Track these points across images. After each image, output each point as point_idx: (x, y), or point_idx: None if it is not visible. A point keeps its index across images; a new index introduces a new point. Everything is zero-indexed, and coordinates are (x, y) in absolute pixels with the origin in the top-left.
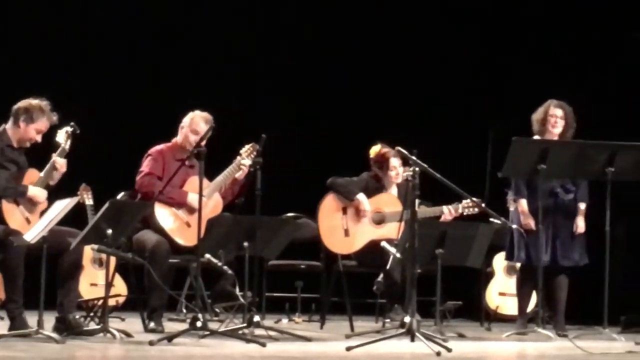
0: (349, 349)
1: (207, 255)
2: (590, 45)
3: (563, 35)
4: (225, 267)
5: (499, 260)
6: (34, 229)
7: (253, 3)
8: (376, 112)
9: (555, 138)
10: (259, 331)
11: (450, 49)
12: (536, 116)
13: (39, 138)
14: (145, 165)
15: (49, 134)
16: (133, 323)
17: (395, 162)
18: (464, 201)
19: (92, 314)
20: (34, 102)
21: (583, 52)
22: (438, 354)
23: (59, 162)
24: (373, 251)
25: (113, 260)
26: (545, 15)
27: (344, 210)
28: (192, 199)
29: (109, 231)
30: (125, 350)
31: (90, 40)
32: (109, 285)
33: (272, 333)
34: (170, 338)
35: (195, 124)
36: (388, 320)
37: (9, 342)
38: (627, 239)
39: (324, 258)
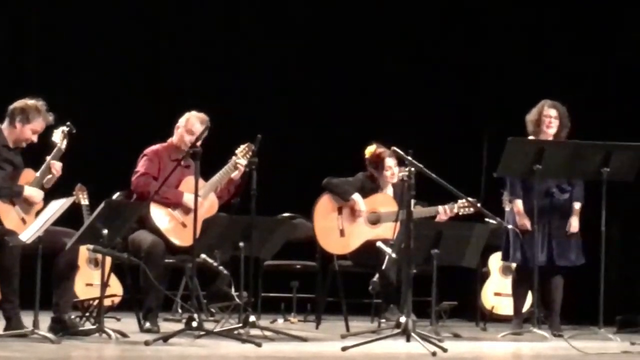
0: (344, 349)
1: (203, 256)
2: (585, 46)
3: (558, 35)
4: (220, 267)
5: (495, 261)
6: (29, 229)
7: (250, 3)
8: (372, 112)
9: (550, 138)
10: (254, 331)
11: (446, 49)
12: (530, 117)
13: (35, 138)
14: (141, 166)
15: (45, 134)
16: (129, 323)
17: (390, 162)
18: (460, 201)
19: (87, 314)
20: (30, 102)
21: (578, 52)
22: (434, 354)
23: (56, 166)
24: (369, 251)
25: (109, 260)
26: (541, 16)
27: (340, 211)
28: (188, 199)
29: (105, 231)
30: (121, 351)
31: (87, 40)
32: (104, 285)
33: (267, 333)
34: (165, 338)
35: (191, 124)
36: (384, 320)
37: (5, 342)
38: (623, 239)
39: (320, 258)
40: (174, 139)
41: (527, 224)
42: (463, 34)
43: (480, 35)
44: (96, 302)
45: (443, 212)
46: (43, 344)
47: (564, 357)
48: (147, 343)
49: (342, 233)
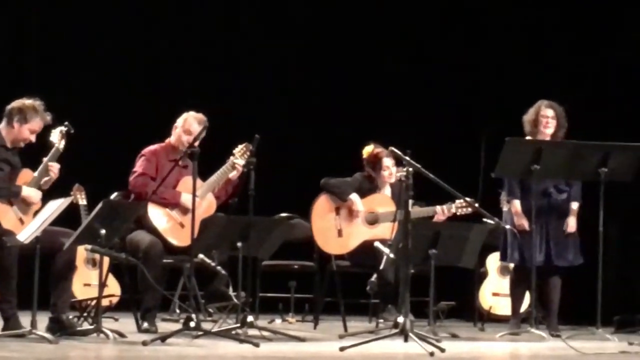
0: (342, 349)
1: (201, 256)
2: (585, 46)
3: (558, 35)
4: (218, 268)
5: (493, 261)
6: (27, 229)
7: (250, 3)
8: (371, 112)
9: (548, 138)
10: (252, 331)
11: (446, 49)
12: (527, 117)
13: (33, 138)
14: (139, 166)
15: (43, 134)
16: (126, 323)
17: (388, 162)
18: (458, 201)
19: (85, 314)
20: (28, 102)
21: (578, 52)
22: (431, 354)
23: (53, 168)
24: (366, 251)
25: (106, 260)
26: (541, 16)
27: (337, 211)
28: (186, 199)
29: (103, 231)
30: (119, 351)
31: (87, 40)
32: (102, 285)
33: (265, 333)
34: (163, 338)
35: (189, 125)
36: (381, 320)
37: (3, 342)
38: (621, 239)
39: (318, 258)
40: (171, 139)
41: (525, 224)
42: (463, 34)
43: (480, 35)
44: (94, 302)
45: (441, 212)
46: (41, 344)
47: (561, 357)
48: (144, 343)
49: (339, 233)
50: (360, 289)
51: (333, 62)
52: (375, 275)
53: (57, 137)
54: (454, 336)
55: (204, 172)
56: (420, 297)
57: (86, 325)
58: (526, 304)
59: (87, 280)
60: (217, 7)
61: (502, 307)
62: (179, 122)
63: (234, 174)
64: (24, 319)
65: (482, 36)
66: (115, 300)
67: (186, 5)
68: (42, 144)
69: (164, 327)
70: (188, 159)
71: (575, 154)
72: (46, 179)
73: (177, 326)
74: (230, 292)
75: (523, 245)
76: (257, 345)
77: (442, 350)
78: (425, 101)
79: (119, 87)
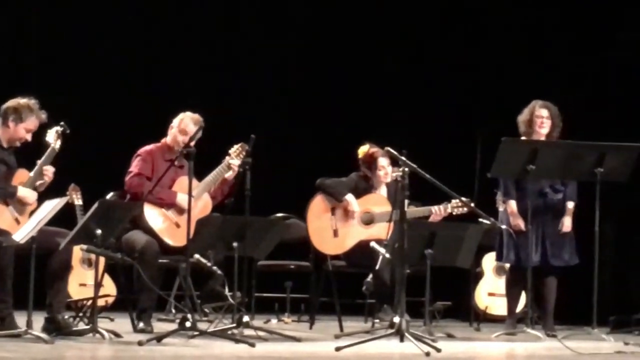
0: (338, 349)
1: (197, 256)
2: (585, 46)
3: (558, 35)
4: (214, 268)
5: (488, 261)
6: (23, 229)
7: (250, 3)
8: (366, 112)
9: (543, 138)
10: (248, 331)
11: (443, 49)
12: (522, 117)
13: (29, 137)
14: (135, 166)
15: (39, 134)
16: (122, 323)
17: (383, 161)
18: (453, 201)
19: (81, 314)
20: (22, 101)
21: (578, 52)
22: (427, 354)
23: (48, 172)
24: (362, 251)
25: (102, 260)
26: (541, 16)
27: (333, 211)
28: (182, 199)
29: (98, 231)
30: (115, 351)
31: (81, 40)
32: (98, 285)
33: (261, 333)
34: (159, 338)
35: (185, 125)
36: (377, 320)
37: None
38: (617, 239)
39: (313, 258)
40: (167, 139)
41: (521, 224)
42: (463, 34)
43: (480, 35)
44: (90, 302)
45: (437, 212)
46: (36, 344)
47: (557, 357)
48: (140, 343)
49: (335, 233)
50: (356, 289)
51: (333, 62)
52: (371, 275)
53: (53, 137)
54: (450, 336)
55: (200, 172)
56: (416, 297)
57: (82, 326)
58: (522, 304)
59: (82, 281)
60: (217, 7)
61: (498, 307)
62: (175, 122)
63: (229, 174)
64: (20, 319)
65: (482, 36)
66: (111, 300)
67: (186, 5)
68: (38, 144)
69: (159, 327)
70: (184, 159)
71: (571, 154)
72: (40, 182)
73: (173, 326)
74: (226, 292)
75: (519, 245)
76: (253, 345)
77: (438, 350)
78: (425, 101)
79: (118, 87)
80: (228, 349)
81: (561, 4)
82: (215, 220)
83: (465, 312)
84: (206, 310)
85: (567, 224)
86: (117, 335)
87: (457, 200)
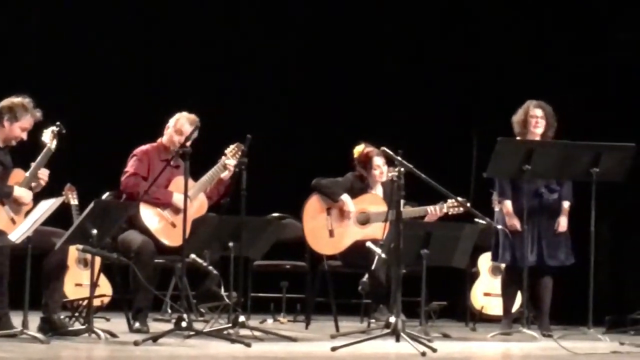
0: (334, 349)
1: (193, 256)
2: (585, 46)
3: (558, 35)
4: (210, 268)
5: (484, 261)
6: (18, 229)
7: (250, 3)
8: (361, 112)
9: (537, 138)
10: (244, 331)
11: (439, 49)
12: (516, 118)
13: (24, 136)
14: (130, 166)
15: (35, 134)
16: (118, 323)
17: (378, 160)
18: (449, 201)
19: (77, 314)
20: (17, 100)
21: (578, 52)
22: (423, 354)
23: (43, 176)
24: (358, 251)
25: (98, 260)
26: (541, 16)
27: (329, 211)
28: (177, 199)
29: (94, 231)
30: (110, 351)
31: (77, 40)
32: (93, 285)
33: (257, 333)
34: (155, 338)
35: (180, 125)
36: (373, 320)
37: None
38: (612, 239)
39: (309, 258)
40: (163, 139)
41: (517, 224)
42: (463, 34)
43: (480, 35)
44: (85, 302)
45: (432, 212)
46: (32, 344)
47: (553, 357)
48: (136, 343)
49: (331, 233)
50: (352, 289)
51: (333, 62)
52: (366, 275)
53: (48, 137)
54: (446, 336)
55: (196, 172)
56: (411, 297)
57: (78, 325)
58: (518, 304)
59: (78, 280)
60: (217, 7)
61: (494, 307)
62: (171, 122)
63: (225, 174)
64: (16, 319)
65: (482, 36)
66: (106, 300)
67: (186, 5)
68: (34, 144)
69: (155, 327)
70: (180, 159)
71: (566, 154)
72: (34, 184)
73: (169, 326)
74: (222, 292)
75: (515, 245)
76: (248, 345)
77: (434, 350)
78: (424, 101)
79: (115, 87)
80: (224, 349)
81: (561, 4)
82: (211, 220)
83: (461, 312)
84: (202, 310)
85: (562, 224)
86: (113, 335)
87: (453, 200)
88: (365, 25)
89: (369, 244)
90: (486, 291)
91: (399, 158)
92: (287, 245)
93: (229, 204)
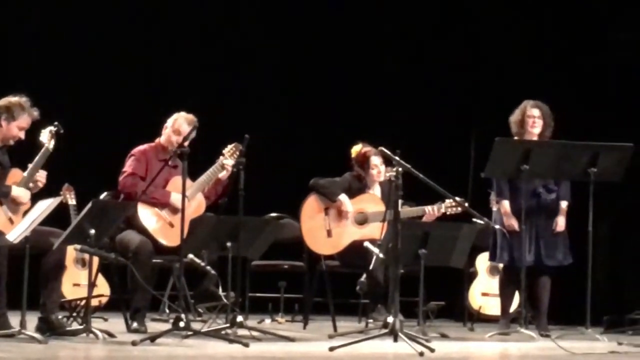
0: (332, 349)
1: (190, 256)
2: (584, 46)
3: (558, 35)
4: (208, 267)
5: (482, 261)
6: (16, 229)
7: (250, 3)
8: (361, 112)
9: (535, 138)
10: (242, 331)
11: (439, 49)
12: (514, 118)
13: (22, 135)
14: (128, 166)
15: (33, 134)
16: (116, 323)
17: (376, 160)
18: (447, 201)
19: (74, 314)
20: (13, 99)
21: (578, 52)
22: (421, 354)
23: (41, 178)
24: (356, 251)
25: (96, 260)
26: (541, 16)
27: (326, 211)
28: (175, 199)
29: (92, 231)
30: (108, 351)
31: (74, 39)
32: (91, 285)
33: (255, 333)
34: (153, 338)
35: (178, 125)
36: (371, 320)
37: None
38: (610, 239)
39: (307, 258)
40: (161, 139)
41: (515, 224)
42: (463, 34)
43: (480, 35)
44: (83, 302)
45: (430, 212)
46: (30, 344)
47: (551, 357)
48: (134, 343)
49: (329, 233)
50: (349, 289)
51: (333, 62)
52: (364, 275)
53: (46, 137)
54: (444, 336)
55: (194, 172)
56: (409, 297)
57: (75, 325)
58: (516, 304)
59: (76, 280)
60: (217, 7)
61: (492, 307)
62: (169, 122)
63: (223, 174)
64: (13, 319)
65: (482, 36)
66: (104, 300)
67: (186, 5)
68: (31, 143)
69: (153, 327)
70: (178, 159)
71: (564, 154)
72: (32, 185)
73: (167, 326)
74: (220, 292)
75: (512, 245)
76: (246, 345)
77: (432, 350)
78: (424, 101)
79: (114, 87)
80: (222, 349)
81: (561, 4)
82: (209, 220)
83: (459, 312)
84: (200, 310)
85: (560, 223)
86: (110, 335)
87: (451, 200)
88: (365, 25)
89: (366, 244)
90: (484, 291)
91: (397, 158)
92: (285, 245)
93: (226, 204)
